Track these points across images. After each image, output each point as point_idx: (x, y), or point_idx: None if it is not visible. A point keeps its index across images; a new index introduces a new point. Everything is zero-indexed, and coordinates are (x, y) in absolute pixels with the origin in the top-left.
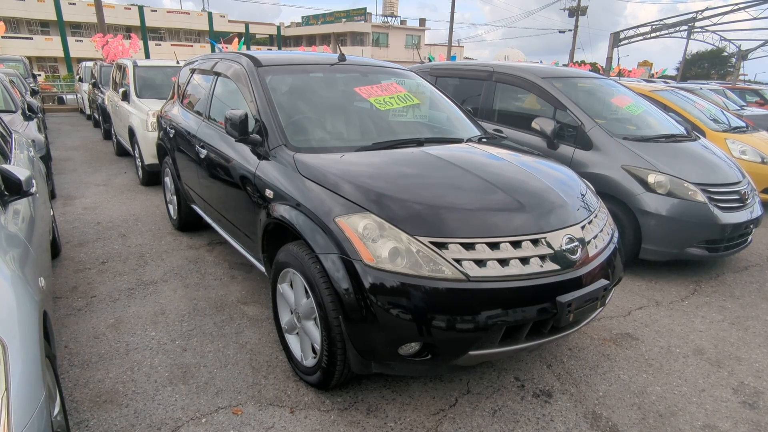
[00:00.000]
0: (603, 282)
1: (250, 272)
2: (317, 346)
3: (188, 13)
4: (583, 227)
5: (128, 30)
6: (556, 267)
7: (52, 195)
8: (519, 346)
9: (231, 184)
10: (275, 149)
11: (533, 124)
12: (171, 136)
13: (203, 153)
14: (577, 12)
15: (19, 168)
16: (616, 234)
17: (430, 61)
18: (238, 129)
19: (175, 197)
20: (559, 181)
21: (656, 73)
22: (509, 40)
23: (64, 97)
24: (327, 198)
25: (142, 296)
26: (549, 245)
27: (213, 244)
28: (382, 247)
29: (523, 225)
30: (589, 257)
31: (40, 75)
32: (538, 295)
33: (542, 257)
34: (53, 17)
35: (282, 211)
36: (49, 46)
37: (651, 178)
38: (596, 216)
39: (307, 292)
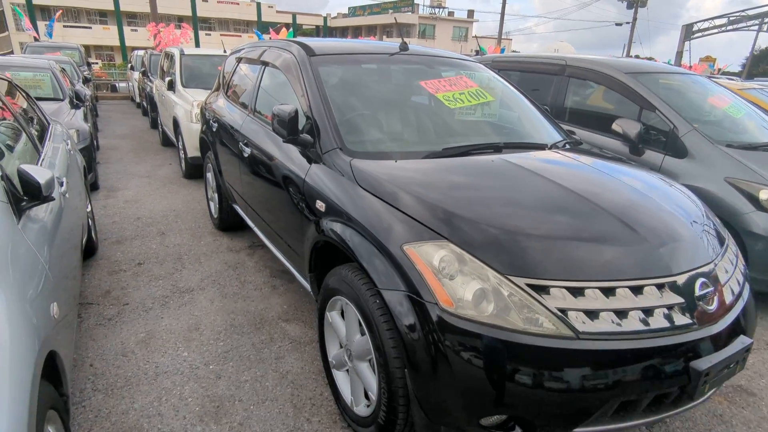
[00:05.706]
0: (744, 340)
1: (293, 282)
2: (372, 395)
3: (238, 4)
4: (716, 266)
5: (180, 20)
6: (688, 320)
7: (95, 186)
8: (636, 422)
9: (276, 189)
10: (329, 153)
11: (614, 126)
12: (214, 129)
13: (247, 151)
14: (636, 3)
15: (40, 168)
16: (747, 272)
17: (477, 53)
18: (287, 127)
19: (216, 194)
20: (680, 204)
21: (719, 69)
22: (560, 32)
23: (117, 85)
24: (391, 218)
25: (176, 306)
26: (678, 291)
27: (254, 247)
28: (464, 288)
29: (644, 264)
30: (726, 306)
31: (97, 63)
32: (666, 359)
33: (669, 307)
34: (111, 7)
35: (335, 228)
36: (106, 35)
37: (763, 195)
38: (727, 250)
39: (361, 325)
